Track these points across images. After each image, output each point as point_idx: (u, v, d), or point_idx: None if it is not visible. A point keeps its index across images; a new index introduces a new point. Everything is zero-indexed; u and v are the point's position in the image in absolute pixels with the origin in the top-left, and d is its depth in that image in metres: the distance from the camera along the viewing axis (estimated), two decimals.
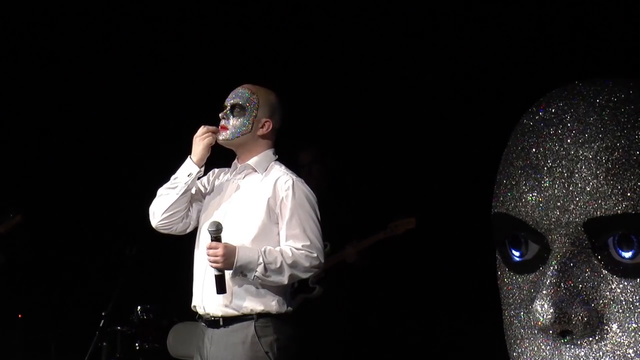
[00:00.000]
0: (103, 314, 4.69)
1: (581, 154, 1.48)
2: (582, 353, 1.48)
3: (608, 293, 1.48)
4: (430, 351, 5.54)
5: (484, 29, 5.20)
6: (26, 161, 5.80)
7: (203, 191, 3.72)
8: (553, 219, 1.50)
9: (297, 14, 5.74)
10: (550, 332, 1.48)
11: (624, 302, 1.47)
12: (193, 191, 3.68)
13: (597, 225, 1.46)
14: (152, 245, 5.02)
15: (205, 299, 3.53)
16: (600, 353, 1.47)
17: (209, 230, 3.43)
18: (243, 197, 3.59)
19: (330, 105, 5.61)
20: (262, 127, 3.60)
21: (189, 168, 3.59)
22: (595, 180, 1.47)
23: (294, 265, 3.45)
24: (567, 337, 1.48)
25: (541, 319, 1.45)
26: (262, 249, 3.44)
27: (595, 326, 1.47)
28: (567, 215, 1.48)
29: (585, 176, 1.47)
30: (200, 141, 3.58)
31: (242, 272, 3.44)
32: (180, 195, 3.59)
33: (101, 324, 4.69)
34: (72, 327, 5.58)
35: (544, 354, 1.51)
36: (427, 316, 5.51)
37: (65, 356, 5.50)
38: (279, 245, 3.50)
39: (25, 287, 5.44)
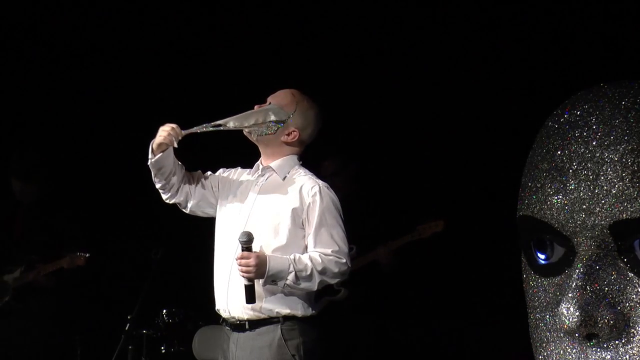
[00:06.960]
0: (129, 317, 4.70)
1: (607, 157, 1.48)
2: (609, 356, 1.47)
3: (634, 296, 1.47)
4: (456, 354, 5.53)
5: (509, 32, 5.19)
6: (53, 161, 5.82)
7: (214, 183, 3.66)
8: (578, 222, 1.49)
9: (322, 22, 5.74)
10: (576, 335, 1.48)
11: None
12: (205, 179, 3.65)
13: (623, 228, 1.46)
14: (177, 249, 5.04)
15: (230, 302, 3.52)
16: (627, 356, 1.46)
17: (240, 241, 3.40)
18: (266, 201, 3.56)
19: (354, 113, 5.61)
20: (287, 135, 3.56)
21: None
22: (620, 183, 1.46)
23: (323, 271, 3.44)
24: (593, 341, 1.47)
25: (567, 322, 1.45)
26: (292, 257, 3.42)
27: (621, 329, 1.46)
28: (592, 218, 1.48)
29: (610, 178, 1.47)
30: (161, 131, 3.48)
31: (273, 281, 3.43)
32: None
33: (127, 328, 4.70)
34: (98, 330, 5.60)
35: (570, 357, 1.50)
36: (453, 319, 5.50)
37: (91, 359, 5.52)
38: (305, 250, 3.49)
39: (52, 291, 5.47)
